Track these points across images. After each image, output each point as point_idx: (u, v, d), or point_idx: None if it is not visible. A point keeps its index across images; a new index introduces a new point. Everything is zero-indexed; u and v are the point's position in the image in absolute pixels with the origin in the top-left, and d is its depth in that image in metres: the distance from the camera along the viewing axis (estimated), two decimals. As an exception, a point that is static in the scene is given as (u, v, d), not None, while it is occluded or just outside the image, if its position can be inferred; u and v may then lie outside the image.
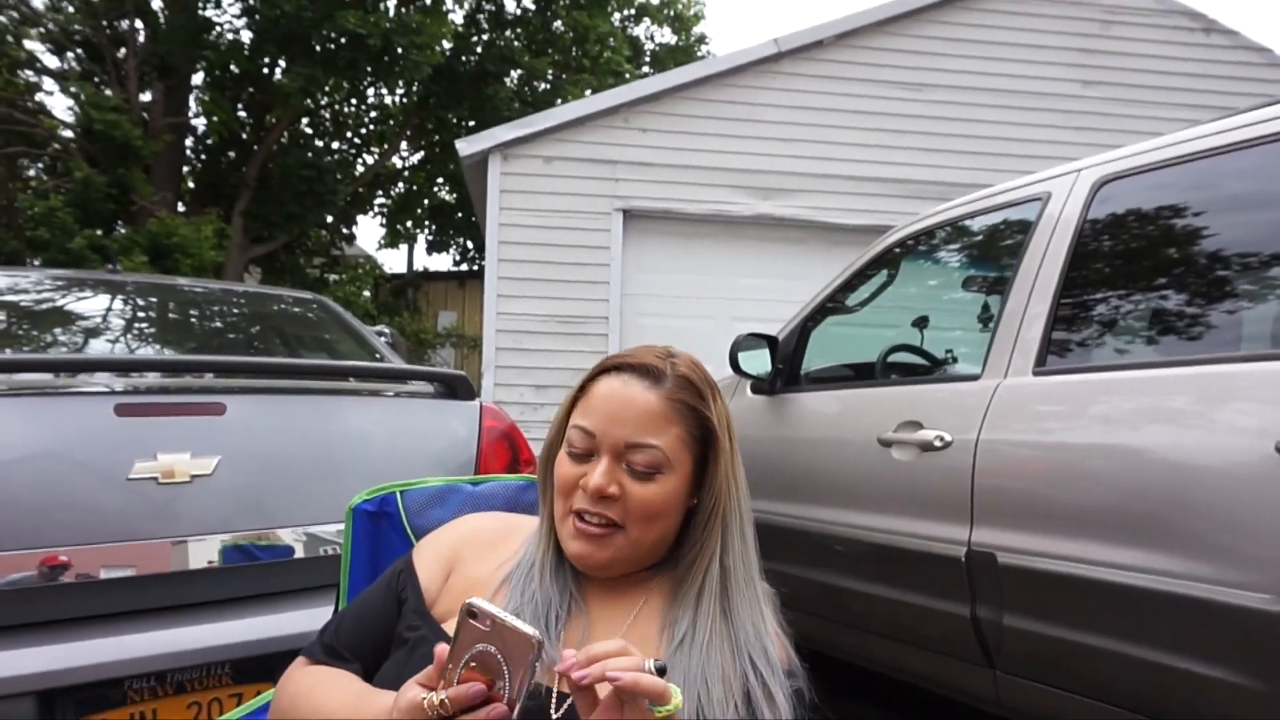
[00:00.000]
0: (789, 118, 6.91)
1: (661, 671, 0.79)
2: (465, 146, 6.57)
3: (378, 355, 2.89)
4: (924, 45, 7.08)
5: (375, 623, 1.11)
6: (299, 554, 1.90)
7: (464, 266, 17.97)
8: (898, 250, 3.15)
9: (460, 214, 17.41)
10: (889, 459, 2.49)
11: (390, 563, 1.33)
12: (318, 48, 13.34)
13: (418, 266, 19.34)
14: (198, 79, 15.24)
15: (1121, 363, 2.12)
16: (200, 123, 15.32)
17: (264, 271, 15.21)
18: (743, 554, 1.06)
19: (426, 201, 18.00)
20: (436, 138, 16.53)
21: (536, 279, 6.43)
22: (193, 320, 2.97)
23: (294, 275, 14.93)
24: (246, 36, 14.40)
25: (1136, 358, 2.12)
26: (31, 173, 14.37)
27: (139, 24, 14.27)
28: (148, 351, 2.75)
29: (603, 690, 0.78)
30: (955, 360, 3.21)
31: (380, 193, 17.37)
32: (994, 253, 2.86)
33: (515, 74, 16.44)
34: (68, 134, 13.77)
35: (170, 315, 2.96)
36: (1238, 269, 2.08)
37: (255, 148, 14.88)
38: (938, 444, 2.34)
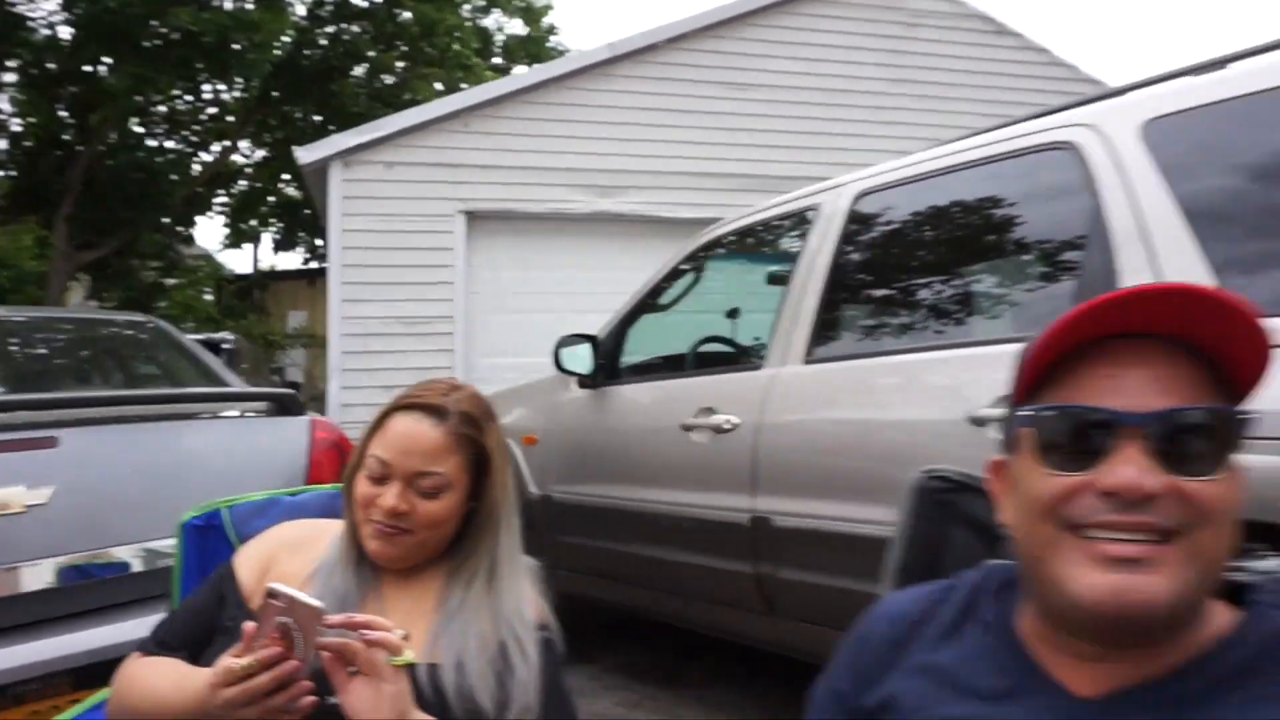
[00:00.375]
0: (625, 118, 7.22)
1: (405, 638, 1.06)
2: (305, 155, 6.56)
3: (213, 376, 3.01)
4: (749, 48, 7.53)
5: (200, 619, 1.32)
6: (136, 568, 2.05)
7: (313, 264, 17.53)
8: (703, 253, 3.51)
9: (308, 210, 16.96)
10: (689, 442, 2.83)
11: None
12: (146, 44, 12.71)
13: (264, 265, 18.75)
14: (10, 78, 14.23)
15: (865, 351, 2.52)
16: (16, 124, 14.34)
17: (94, 279, 14.42)
18: (509, 544, 1.34)
19: (271, 199, 17.44)
20: (279, 134, 16.03)
21: (381, 282, 6.51)
22: (18, 351, 3.00)
23: (127, 281, 14.23)
24: (66, 32, 13.55)
25: (876, 347, 2.52)
26: None
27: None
28: None
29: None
30: (763, 349, 3.60)
31: (221, 191, 16.71)
32: (783, 254, 3.25)
33: (362, 69, 16.14)
34: None
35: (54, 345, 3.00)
36: (954, 272, 2.52)
37: (79, 149, 14.04)
38: (727, 426, 2.69)
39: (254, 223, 17.18)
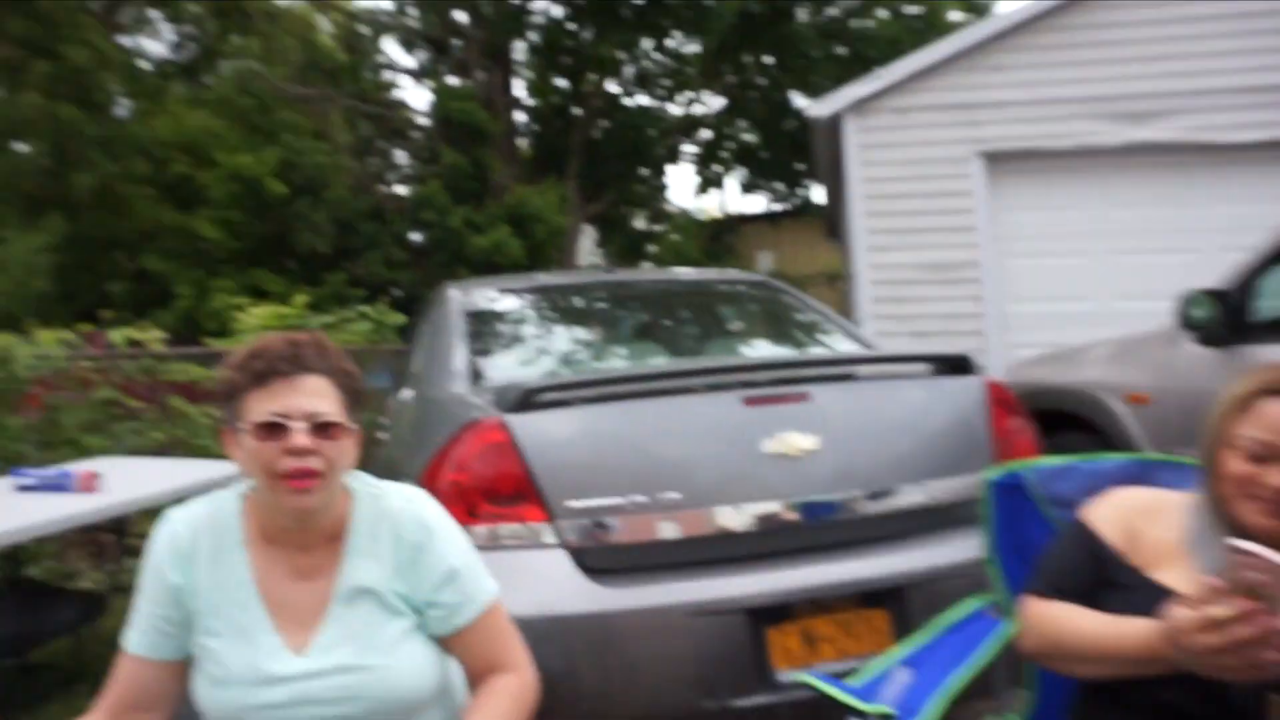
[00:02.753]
0: (1158, 33, 6.51)
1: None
2: (816, 109, 6.94)
3: (852, 335, 3.42)
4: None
5: (1079, 574, 1.59)
6: (894, 506, 2.48)
7: (776, 207, 18.43)
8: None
9: (768, 155, 17.81)
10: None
11: (1024, 526, 1.83)
12: (624, 13, 14.17)
13: (732, 210, 20.13)
14: (518, 57, 16.80)
15: None
16: (523, 94, 16.88)
17: (599, 228, 16.68)
18: None
19: (731, 145, 18.59)
20: (735, 80, 16.99)
21: (904, 229, 6.70)
22: (673, 313, 3.67)
23: (623, 230, 16.24)
24: (559, 12, 15.59)
25: None
26: (403, 160, 16.75)
27: (468, 17, 15.92)
28: (690, 350, 3.48)
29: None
30: None
31: (688, 141, 18.20)
32: None
33: (806, 7, 16.37)
34: (424, 122, 15.80)
35: (686, 313, 3.69)
36: None
37: (577, 113, 16.22)
38: None
39: (718, 169, 18.48)
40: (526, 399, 2.33)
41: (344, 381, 1.55)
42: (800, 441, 2.45)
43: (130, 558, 4.04)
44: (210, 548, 1.54)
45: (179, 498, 3.92)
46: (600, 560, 2.33)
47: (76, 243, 12.72)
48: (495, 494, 2.32)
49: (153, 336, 5.07)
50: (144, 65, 17.82)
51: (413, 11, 16.26)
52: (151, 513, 4.26)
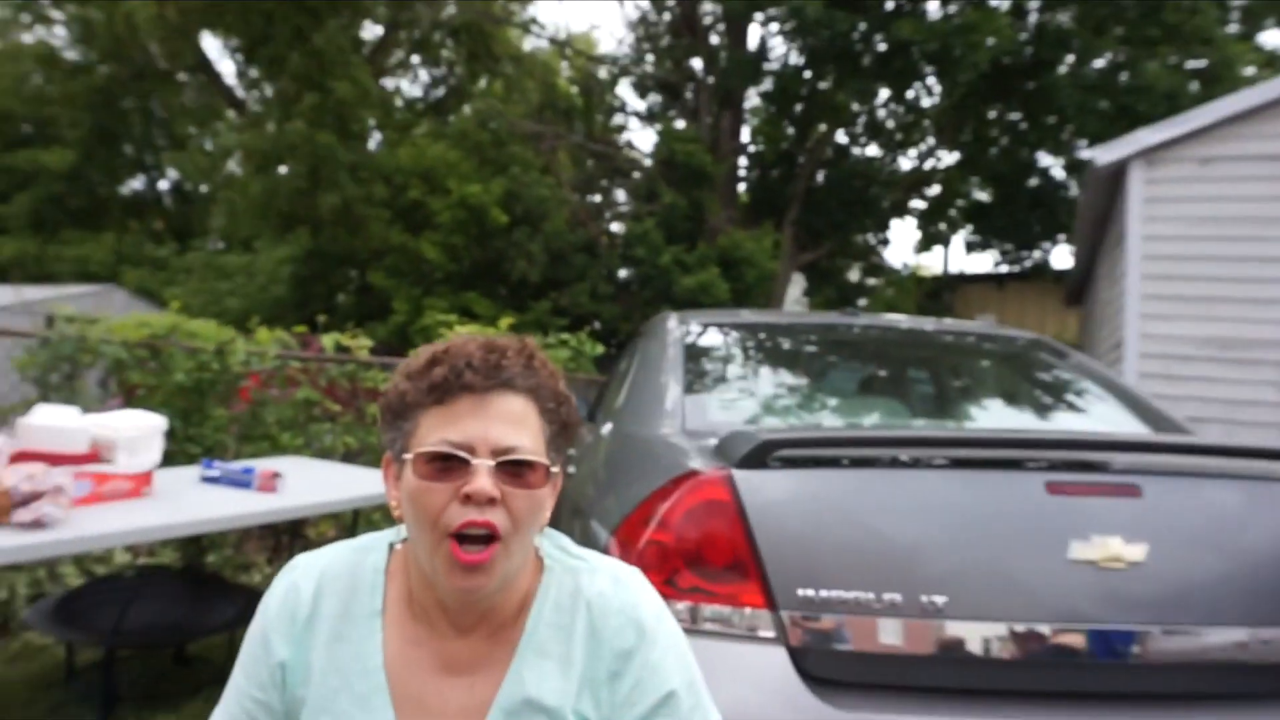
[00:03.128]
0: None
1: None
2: (1101, 155, 6.01)
3: (1165, 419, 2.64)
4: None
5: None
6: (1243, 658, 1.73)
7: (1003, 268, 17.05)
8: None
9: (999, 214, 16.52)
10: None
11: None
12: (865, 60, 13.61)
13: (952, 269, 18.91)
14: (750, 104, 16.62)
15: None
16: (748, 141, 16.68)
17: (808, 277, 16.05)
18: None
19: (961, 202, 17.43)
20: (971, 137, 15.90)
21: (1190, 297, 5.64)
22: (970, 376, 3.02)
23: (835, 281, 15.52)
24: (795, 59, 15.26)
25: None
26: (621, 197, 16.92)
27: (702, 63, 15.95)
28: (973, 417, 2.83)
29: None
30: None
31: (916, 196, 17.25)
32: None
33: (1069, 58, 15.08)
34: (647, 163, 15.90)
35: (946, 370, 3.05)
36: None
37: (800, 161, 15.74)
38: None
39: (943, 226, 17.38)
40: (761, 453, 1.80)
41: (553, 408, 1.10)
42: (1124, 550, 1.76)
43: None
44: (335, 614, 1.10)
45: (354, 507, 3.82)
46: (828, 670, 1.76)
47: (315, 256, 13.64)
48: (705, 565, 1.80)
49: (360, 344, 5.00)
50: (398, 103, 19.25)
51: (650, 57, 16.51)
52: (331, 516, 4.22)
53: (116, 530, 2.47)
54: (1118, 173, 5.98)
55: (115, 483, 2.74)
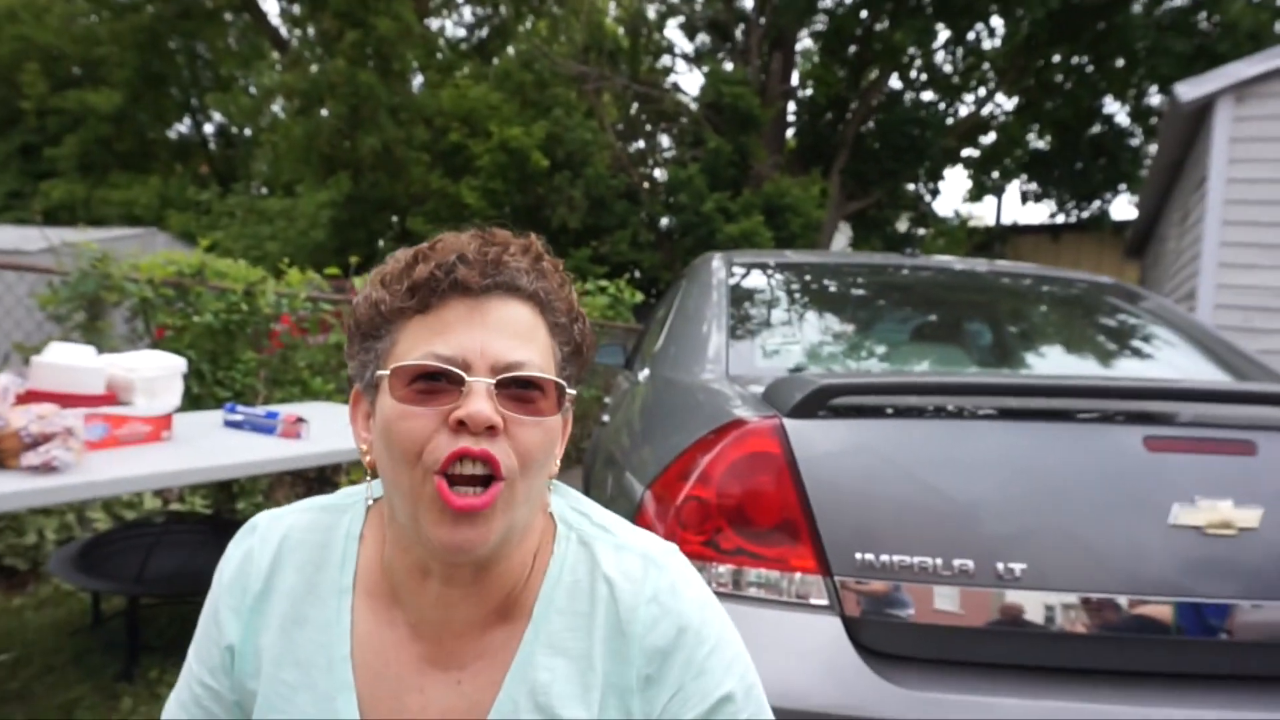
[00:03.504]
0: None
1: None
2: (1186, 90, 5.57)
3: (1261, 368, 2.37)
4: None
5: None
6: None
7: (1059, 219, 16.41)
8: None
9: (1058, 162, 15.85)
10: None
11: None
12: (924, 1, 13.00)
13: (1006, 219, 18.29)
14: (801, 46, 16.05)
15: None
16: (797, 85, 16.14)
17: (854, 227, 15.61)
18: None
19: (1018, 150, 16.74)
20: (1034, 81, 15.18)
21: (1275, 245, 5.25)
22: (1040, 321, 2.77)
23: (883, 231, 15.06)
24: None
25: None
26: (665, 143, 16.52)
27: (753, 2, 15.37)
28: (1036, 359, 2.59)
29: None
30: None
31: (970, 143, 16.60)
32: None
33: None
34: (693, 107, 15.47)
35: (1012, 315, 2.80)
36: None
37: (852, 106, 15.20)
38: None
39: (997, 175, 16.73)
40: (816, 400, 1.59)
41: (565, 323, 0.86)
42: (1234, 515, 1.54)
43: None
44: (296, 590, 0.89)
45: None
46: (887, 642, 1.58)
47: (355, 201, 13.52)
48: (751, 524, 1.61)
49: (396, 286, 4.82)
50: (441, 44, 18.92)
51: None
52: (359, 464, 4.09)
53: (128, 475, 2.35)
54: (1201, 111, 5.55)
55: (132, 426, 2.62)
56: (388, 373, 0.79)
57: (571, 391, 0.86)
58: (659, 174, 15.39)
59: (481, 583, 0.84)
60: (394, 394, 0.78)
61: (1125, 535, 1.55)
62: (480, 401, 0.75)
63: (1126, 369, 2.55)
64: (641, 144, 15.90)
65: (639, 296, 8.35)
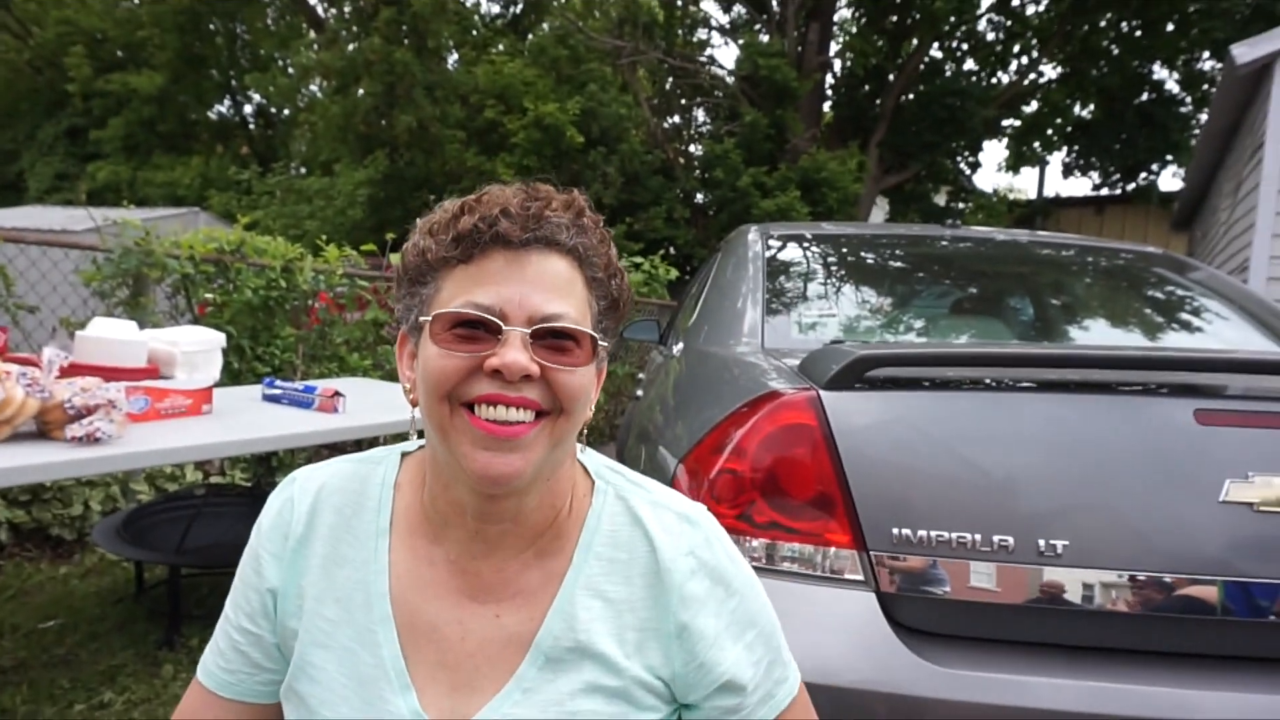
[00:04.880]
0: None
1: None
2: (1244, 51, 5.36)
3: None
4: None
5: None
6: None
7: (1103, 191, 16.00)
8: None
9: (1103, 132, 15.42)
10: None
11: None
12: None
13: (1047, 192, 17.88)
14: (838, 16, 15.76)
15: None
16: (835, 57, 15.86)
17: (891, 201, 15.36)
18: None
19: (1060, 121, 16.32)
20: (1079, 47, 14.75)
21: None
22: (1083, 292, 2.70)
23: (921, 205, 14.80)
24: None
25: None
26: (701, 118, 16.36)
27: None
28: (1078, 332, 2.53)
29: None
30: None
31: (1011, 114, 16.22)
32: None
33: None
34: (730, 81, 15.28)
35: (1053, 286, 2.73)
36: None
37: (890, 77, 14.91)
38: None
39: (1038, 146, 16.33)
40: (854, 371, 1.56)
41: (602, 278, 0.89)
42: (1288, 492, 1.49)
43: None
44: (334, 533, 0.92)
45: (417, 428, 3.71)
46: (924, 619, 1.55)
47: (392, 179, 13.57)
48: (786, 497, 1.59)
49: (431, 262, 4.83)
50: (476, 20, 18.88)
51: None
52: (399, 437, 4.13)
53: (169, 447, 2.39)
54: (1259, 74, 5.34)
55: (173, 399, 2.66)
56: (430, 318, 0.83)
57: (605, 343, 0.89)
58: (694, 149, 15.26)
59: (518, 520, 0.88)
60: (435, 338, 0.82)
61: (1173, 512, 1.50)
62: (515, 351, 0.79)
63: (1175, 341, 2.48)
64: (677, 119, 15.76)
65: (674, 273, 8.30)
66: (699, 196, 13.62)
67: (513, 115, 13.02)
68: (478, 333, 0.81)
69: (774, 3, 15.11)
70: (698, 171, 13.63)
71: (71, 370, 2.52)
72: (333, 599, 0.90)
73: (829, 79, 15.81)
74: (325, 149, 15.85)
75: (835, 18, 15.52)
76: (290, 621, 0.92)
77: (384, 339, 4.77)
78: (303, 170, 18.71)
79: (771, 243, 2.78)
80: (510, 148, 12.74)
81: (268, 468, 4.03)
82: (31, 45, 21.75)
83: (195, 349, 3.01)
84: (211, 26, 21.56)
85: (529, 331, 0.80)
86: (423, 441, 0.92)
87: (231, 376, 3.94)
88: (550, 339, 0.82)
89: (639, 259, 8.07)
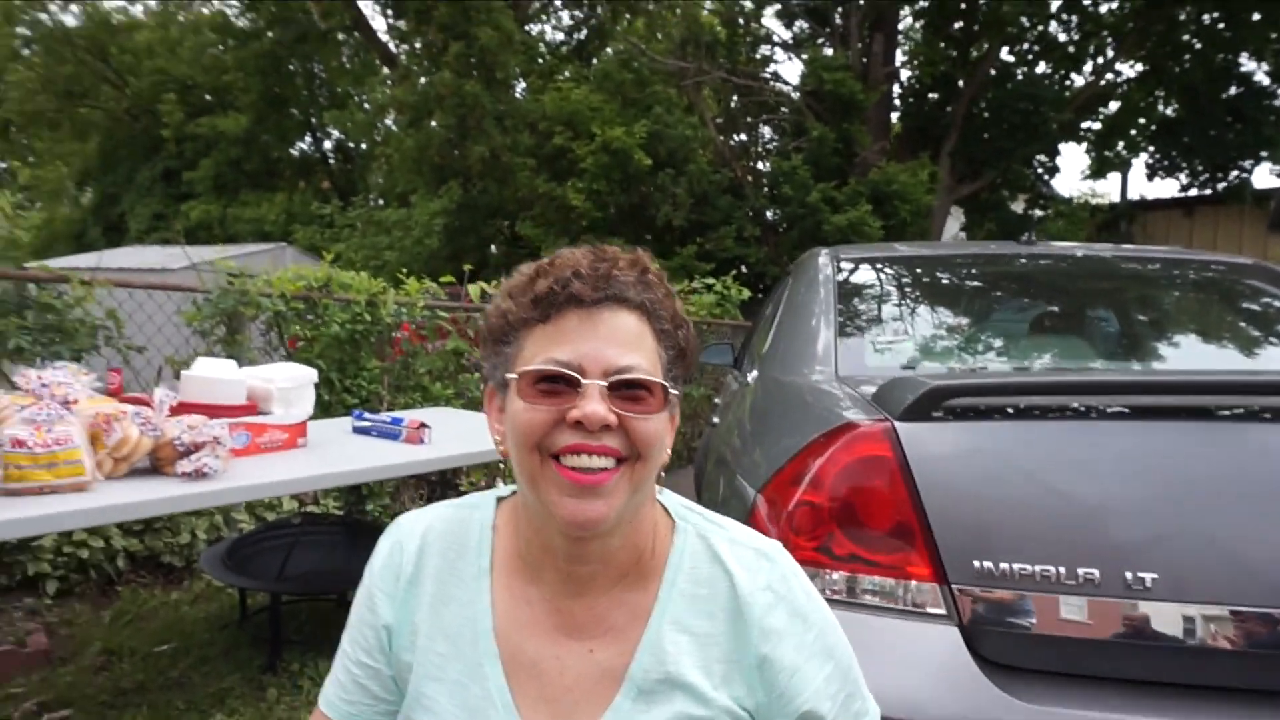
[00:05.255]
0: None
1: None
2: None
3: None
4: None
5: None
6: None
7: (1192, 192, 15.38)
8: None
9: (1189, 130, 14.84)
10: None
11: None
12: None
13: (1132, 194, 17.27)
14: (903, 25, 15.59)
15: None
16: (900, 66, 15.68)
17: (966, 211, 15.06)
18: None
19: (1142, 121, 15.77)
20: (1158, 42, 14.25)
21: None
22: (1174, 311, 2.64)
23: (998, 214, 14.47)
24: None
25: None
26: (767, 135, 16.34)
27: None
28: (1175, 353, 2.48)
29: None
30: None
31: (1089, 116, 15.74)
32: None
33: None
34: (794, 96, 15.23)
35: (1141, 305, 2.68)
36: None
37: (960, 85, 14.66)
38: None
39: (1121, 148, 15.81)
40: (929, 402, 1.57)
41: (669, 329, 0.95)
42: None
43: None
44: (441, 574, 1.01)
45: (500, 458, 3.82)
46: (1009, 654, 1.54)
47: (466, 209, 13.92)
48: (865, 530, 1.60)
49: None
50: (541, 49, 19.27)
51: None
52: (483, 466, 4.28)
53: (270, 481, 2.52)
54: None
55: (271, 433, 2.80)
56: (515, 376, 0.91)
57: (676, 391, 0.95)
58: (762, 166, 15.24)
59: (605, 560, 0.94)
60: (521, 394, 0.90)
61: (1271, 542, 1.47)
62: (594, 403, 0.86)
63: (1273, 360, 2.40)
64: (743, 137, 15.78)
65: (746, 293, 8.31)
66: (769, 214, 13.58)
67: (580, 141, 13.23)
68: (559, 387, 0.88)
69: (836, 16, 15.04)
70: (766, 189, 13.60)
71: (179, 409, 2.68)
72: (442, 635, 0.98)
73: (895, 89, 15.62)
74: (401, 180, 16.35)
75: (900, 26, 15.35)
76: (404, 655, 0.99)
77: (464, 368, 4.91)
78: (380, 202, 19.34)
79: (843, 266, 2.79)
80: (579, 173, 12.94)
81: (358, 496, 4.19)
82: (129, 94, 23.04)
83: (290, 385, 3.16)
84: (290, 68, 22.54)
85: (605, 384, 0.87)
86: (515, 487, 0.98)
87: (322, 408, 4.11)
88: (625, 390, 0.88)
89: (710, 280, 8.11)
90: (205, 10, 23.50)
